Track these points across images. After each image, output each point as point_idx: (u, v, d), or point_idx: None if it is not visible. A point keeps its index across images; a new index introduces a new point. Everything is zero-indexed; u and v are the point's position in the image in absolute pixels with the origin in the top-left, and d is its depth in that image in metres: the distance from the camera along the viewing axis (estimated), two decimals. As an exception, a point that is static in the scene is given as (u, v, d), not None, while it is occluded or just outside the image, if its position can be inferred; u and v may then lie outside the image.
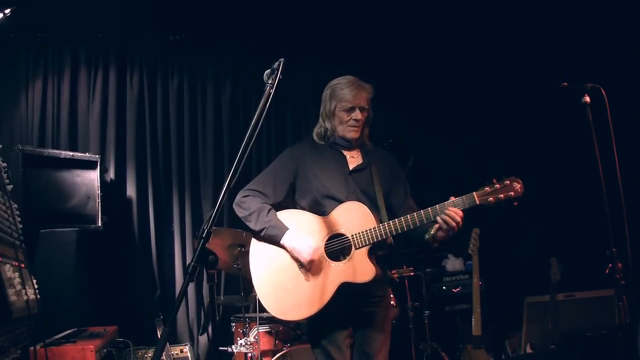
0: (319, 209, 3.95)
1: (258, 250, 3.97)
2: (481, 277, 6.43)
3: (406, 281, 6.57)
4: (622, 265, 3.90)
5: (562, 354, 5.52)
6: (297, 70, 7.89)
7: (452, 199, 3.70)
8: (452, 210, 3.63)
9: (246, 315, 6.03)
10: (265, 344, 5.89)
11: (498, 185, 3.67)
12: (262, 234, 3.89)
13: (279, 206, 4.03)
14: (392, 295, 6.00)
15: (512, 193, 3.65)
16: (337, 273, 3.77)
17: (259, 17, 7.50)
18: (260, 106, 2.87)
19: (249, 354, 5.83)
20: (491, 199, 3.65)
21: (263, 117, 2.85)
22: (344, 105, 3.97)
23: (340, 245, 3.83)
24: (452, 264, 7.66)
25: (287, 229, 3.86)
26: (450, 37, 7.78)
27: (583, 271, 6.17)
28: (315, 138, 4.16)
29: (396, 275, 6.33)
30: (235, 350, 5.92)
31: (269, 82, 2.97)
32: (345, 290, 3.75)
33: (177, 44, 7.81)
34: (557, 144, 7.23)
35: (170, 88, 7.73)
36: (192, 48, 7.87)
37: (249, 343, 5.82)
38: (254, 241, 4.00)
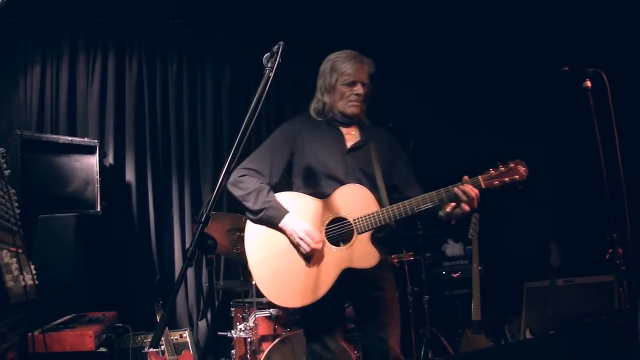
0: (316, 188, 3.89)
1: (254, 234, 3.88)
2: (481, 262, 6.42)
3: (406, 266, 6.55)
4: (622, 251, 3.89)
5: (562, 339, 5.52)
6: (296, 53, 7.81)
7: (465, 178, 3.69)
8: (468, 187, 3.63)
9: (245, 300, 6.04)
10: (265, 329, 5.89)
11: (503, 168, 3.68)
12: (260, 215, 3.79)
13: (274, 186, 3.97)
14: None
15: (517, 176, 3.66)
16: (339, 259, 3.72)
17: (259, 0, 7.46)
18: (259, 90, 2.85)
19: (249, 339, 5.84)
20: (496, 182, 3.66)
21: (262, 100, 2.83)
22: (346, 79, 3.90)
23: (341, 230, 3.77)
24: (452, 248, 7.67)
25: (287, 211, 3.78)
26: (451, 20, 7.74)
27: (583, 256, 6.17)
28: (312, 113, 4.09)
29: (396, 260, 6.31)
30: (234, 335, 5.93)
31: (269, 65, 2.94)
32: (347, 276, 3.70)
33: (176, 28, 7.76)
34: (558, 128, 7.21)
35: (170, 72, 7.69)
36: (191, 32, 7.83)
37: (248, 328, 5.83)
38: (249, 224, 3.90)
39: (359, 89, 3.92)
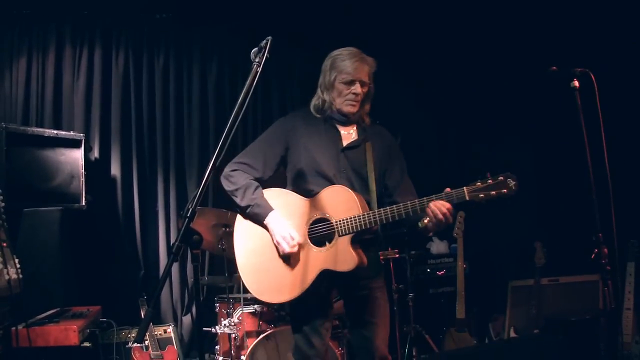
0: (306, 185, 3.87)
1: (243, 228, 3.92)
2: (466, 260, 6.44)
3: (391, 263, 6.55)
4: (607, 251, 3.90)
5: (546, 338, 5.53)
6: (284, 49, 7.79)
7: (447, 190, 3.55)
8: (439, 203, 3.50)
9: (230, 295, 6.03)
10: (249, 324, 5.89)
11: (491, 181, 3.47)
12: (247, 211, 3.83)
13: (268, 180, 3.96)
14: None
15: (505, 190, 3.46)
16: (319, 259, 3.70)
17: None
18: (246, 85, 2.84)
19: (233, 335, 5.83)
20: (482, 195, 3.47)
21: (249, 96, 2.82)
22: (344, 77, 3.83)
23: (324, 231, 3.74)
24: (437, 246, 7.66)
25: (272, 209, 3.79)
26: (441, 19, 7.72)
27: (568, 256, 6.19)
28: (312, 110, 4.03)
29: (381, 258, 6.32)
30: (219, 331, 5.93)
31: (256, 60, 2.92)
32: (329, 276, 3.69)
33: (163, 22, 7.72)
34: (546, 128, 7.22)
35: (156, 67, 7.66)
36: (179, 27, 7.79)
37: (232, 324, 5.82)
38: (239, 218, 3.95)
39: (357, 88, 3.85)
